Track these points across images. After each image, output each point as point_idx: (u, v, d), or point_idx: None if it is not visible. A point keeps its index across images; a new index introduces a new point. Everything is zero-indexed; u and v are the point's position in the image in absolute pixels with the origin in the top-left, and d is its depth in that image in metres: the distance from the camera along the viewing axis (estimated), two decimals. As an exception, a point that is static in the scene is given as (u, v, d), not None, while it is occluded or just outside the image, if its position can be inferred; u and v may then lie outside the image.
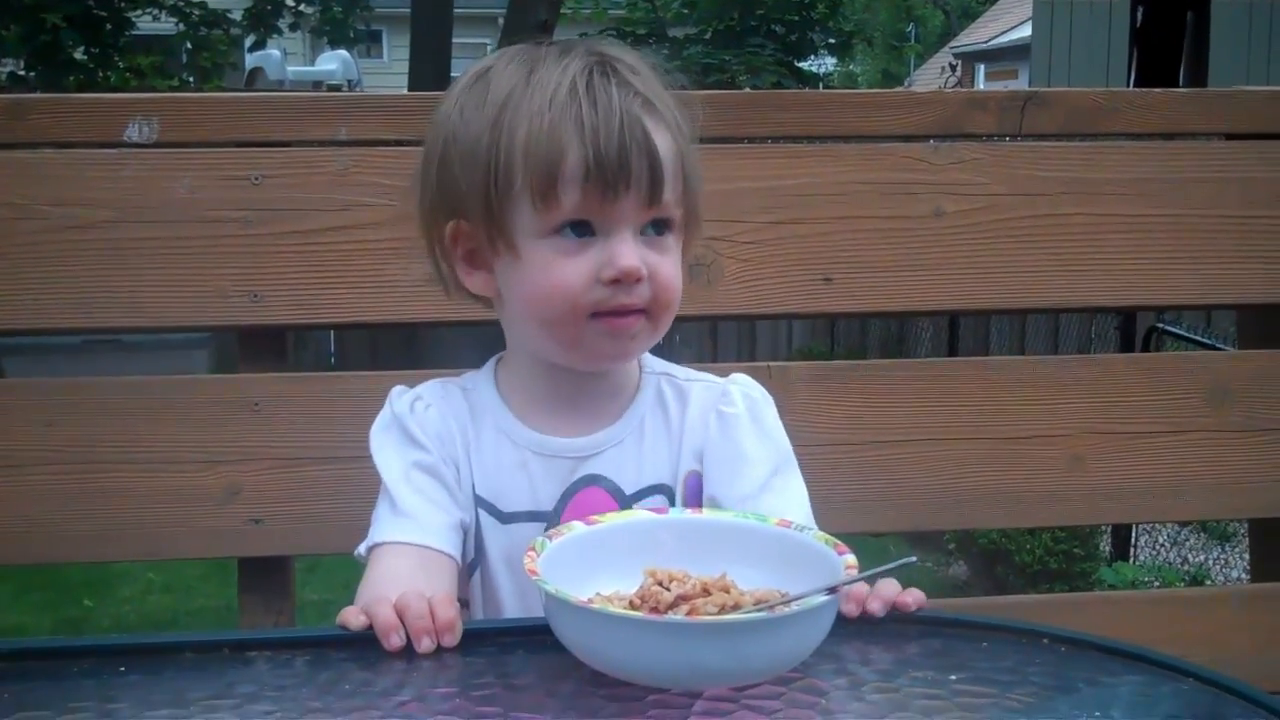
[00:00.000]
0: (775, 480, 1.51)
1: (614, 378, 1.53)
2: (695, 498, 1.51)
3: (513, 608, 1.49)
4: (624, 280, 1.39)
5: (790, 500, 1.50)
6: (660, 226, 1.43)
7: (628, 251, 1.39)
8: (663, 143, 1.40)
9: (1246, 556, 2.42)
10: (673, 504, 1.50)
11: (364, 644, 1.26)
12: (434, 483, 1.48)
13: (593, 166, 1.36)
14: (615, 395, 1.53)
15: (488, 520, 1.50)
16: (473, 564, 1.52)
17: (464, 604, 1.50)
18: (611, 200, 1.38)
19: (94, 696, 1.19)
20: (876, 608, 1.29)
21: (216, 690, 1.19)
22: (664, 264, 1.42)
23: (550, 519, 1.48)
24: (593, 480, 1.49)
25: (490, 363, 1.58)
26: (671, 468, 1.52)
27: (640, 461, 1.51)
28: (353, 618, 1.28)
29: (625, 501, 1.49)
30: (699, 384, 1.56)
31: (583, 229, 1.40)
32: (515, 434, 1.51)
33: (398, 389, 1.56)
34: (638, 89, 1.41)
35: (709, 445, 1.52)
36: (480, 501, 1.50)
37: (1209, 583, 5.50)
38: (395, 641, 1.24)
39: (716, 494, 1.50)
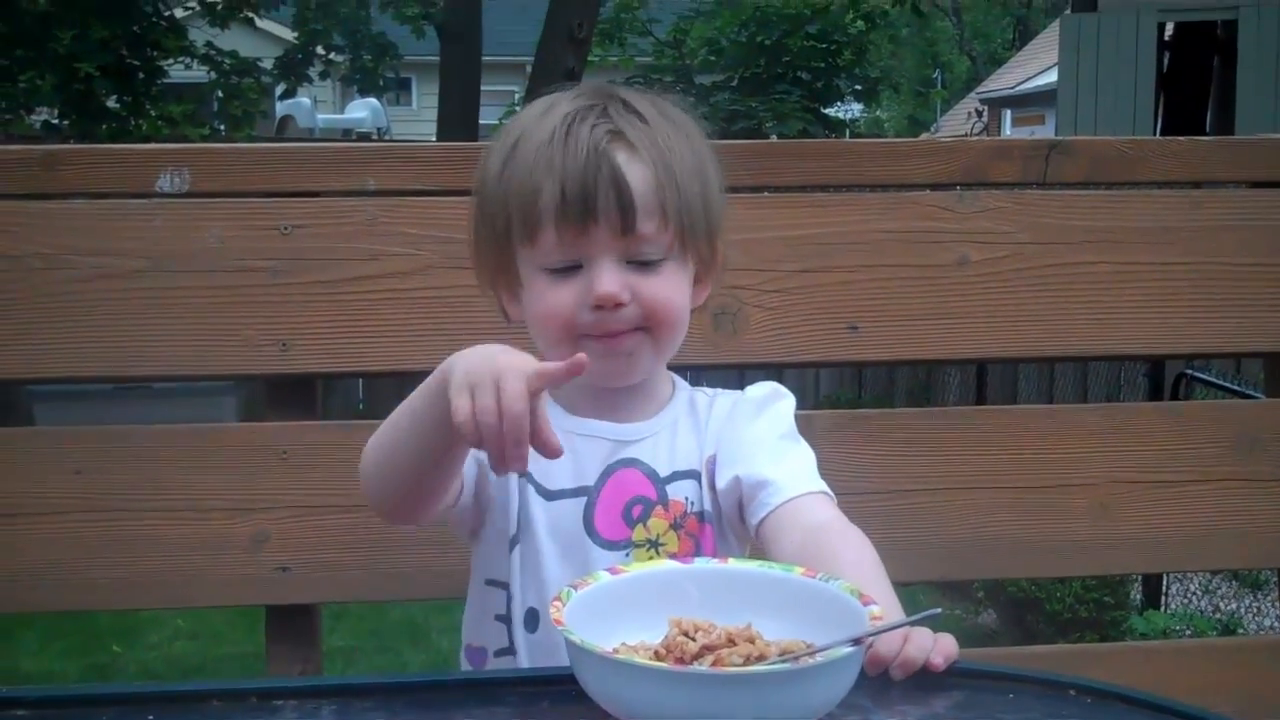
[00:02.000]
0: (779, 444, 1.61)
1: (644, 388, 1.62)
2: (715, 478, 1.60)
3: (557, 578, 1.53)
4: (604, 305, 1.49)
5: (794, 461, 1.59)
6: (647, 256, 1.51)
7: (607, 279, 1.49)
8: (637, 175, 1.49)
9: (1279, 605, 2.39)
10: (701, 487, 1.60)
11: (389, 692, 1.26)
12: None
13: (559, 203, 1.47)
14: (648, 401, 1.63)
15: (533, 495, 1.58)
16: (514, 538, 1.58)
17: (502, 585, 1.59)
18: (583, 233, 1.48)
19: (120, 745, 1.19)
20: (899, 676, 1.29)
21: (242, 739, 1.20)
22: (653, 285, 1.51)
23: (591, 493, 1.58)
24: (631, 462, 1.60)
25: None
26: (699, 456, 1.61)
27: (673, 452, 1.61)
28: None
29: (660, 483, 1.59)
30: (726, 395, 1.67)
31: (569, 268, 1.50)
32: (562, 422, 1.57)
33: None
34: (617, 126, 1.50)
35: (723, 427, 1.62)
36: (528, 477, 1.58)
37: (1241, 631, 5.44)
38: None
39: (725, 463, 1.58)
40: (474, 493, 1.58)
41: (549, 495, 1.58)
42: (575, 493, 1.58)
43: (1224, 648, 2.91)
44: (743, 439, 1.59)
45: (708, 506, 1.59)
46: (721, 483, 1.58)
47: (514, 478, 1.57)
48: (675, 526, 1.58)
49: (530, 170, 1.49)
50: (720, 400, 1.65)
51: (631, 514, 1.57)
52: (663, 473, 1.59)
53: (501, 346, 1.31)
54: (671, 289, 1.53)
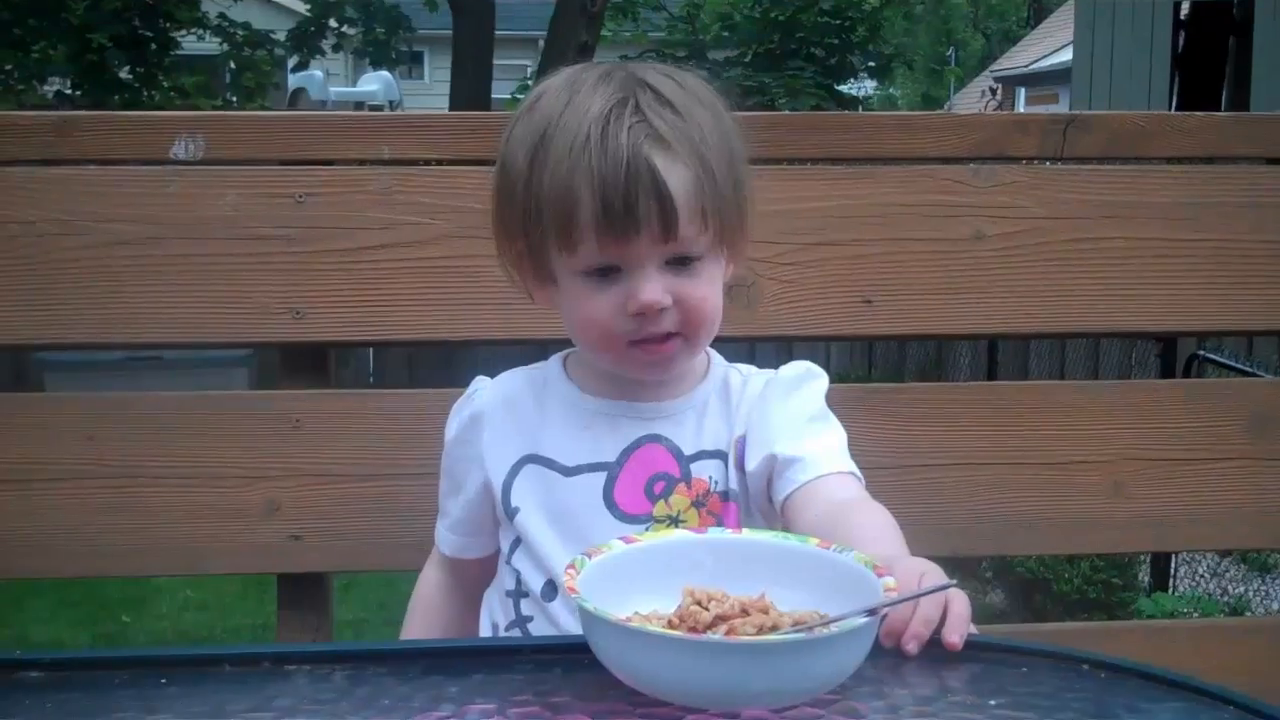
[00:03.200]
0: (810, 424, 1.59)
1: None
2: (744, 458, 1.59)
3: (564, 551, 1.52)
4: (646, 313, 1.47)
5: (824, 440, 1.58)
6: (685, 259, 1.49)
7: (648, 287, 1.47)
8: (676, 179, 1.45)
9: (1288, 587, 2.39)
10: (727, 467, 1.59)
11: (403, 659, 1.26)
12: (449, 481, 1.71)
13: (601, 214, 1.44)
14: (679, 381, 1.61)
15: (540, 478, 1.59)
16: (513, 516, 1.60)
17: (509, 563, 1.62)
18: (625, 244, 1.45)
19: (134, 708, 1.19)
20: (912, 648, 1.27)
21: (255, 703, 1.20)
22: (693, 288, 1.50)
23: (612, 469, 1.57)
24: (654, 439, 1.59)
25: (558, 355, 1.68)
26: (728, 437, 1.60)
27: (700, 431, 1.60)
28: None
29: (684, 461, 1.58)
30: (760, 375, 1.66)
31: (607, 270, 1.48)
32: (582, 404, 1.61)
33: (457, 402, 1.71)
34: (653, 125, 1.46)
35: (754, 407, 1.61)
36: (543, 461, 1.59)
37: (1249, 614, 5.44)
38: None
39: (755, 444, 1.57)
40: (482, 528, 1.68)
41: (568, 471, 1.58)
42: (593, 468, 1.58)
43: (1235, 628, 2.91)
44: (773, 418, 1.58)
45: (733, 485, 1.58)
46: (751, 464, 1.56)
47: (495, 480, 1.61)
48: (697, 504, 1.57)
49: (567, 176, 1.44)
50: (754, 380, 1.64)
51: (654, 490, 1.56)
52: (688, 451, 1.58)
53: None
54: (709, 288, 1.52)
